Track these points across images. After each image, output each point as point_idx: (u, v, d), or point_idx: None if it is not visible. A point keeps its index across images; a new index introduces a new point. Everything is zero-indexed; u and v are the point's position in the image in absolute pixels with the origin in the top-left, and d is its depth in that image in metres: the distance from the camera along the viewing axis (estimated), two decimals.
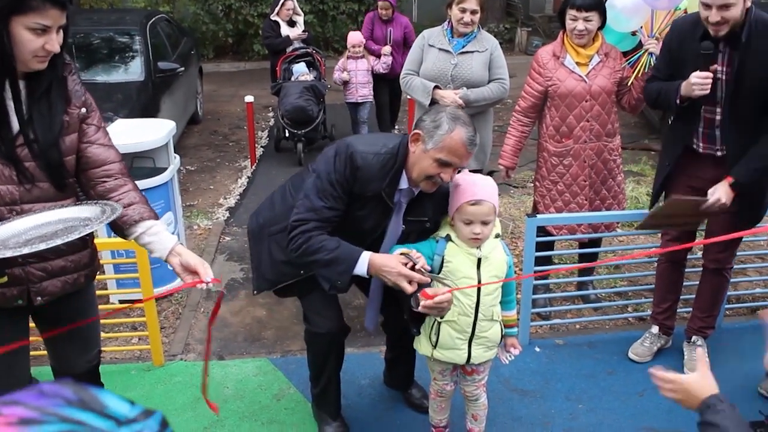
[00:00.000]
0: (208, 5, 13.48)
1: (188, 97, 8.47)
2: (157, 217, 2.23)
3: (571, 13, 3.75)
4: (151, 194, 4.11)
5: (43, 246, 1.81)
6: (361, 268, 2.65)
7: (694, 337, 3.72)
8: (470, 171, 4.34)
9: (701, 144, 3.29)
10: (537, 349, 3.91)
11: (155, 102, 6.83)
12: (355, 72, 7.60)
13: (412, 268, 2.57)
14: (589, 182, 3.95)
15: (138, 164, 4.24)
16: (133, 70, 7.03)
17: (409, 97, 7.12)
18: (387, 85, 7.79)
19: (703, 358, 1.62)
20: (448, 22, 4.20)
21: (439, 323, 2.78)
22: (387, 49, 7.55)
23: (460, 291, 2.68)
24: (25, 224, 1.95)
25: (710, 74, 3.02)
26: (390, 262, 2.60)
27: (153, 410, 0.54)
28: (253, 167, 7.44)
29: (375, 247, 2.79)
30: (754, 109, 3.10)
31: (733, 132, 3.17)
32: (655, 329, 3.80)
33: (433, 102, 4.05)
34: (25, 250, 1.80)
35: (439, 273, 2.71)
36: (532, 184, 4.39)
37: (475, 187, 2.65)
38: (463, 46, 4.14)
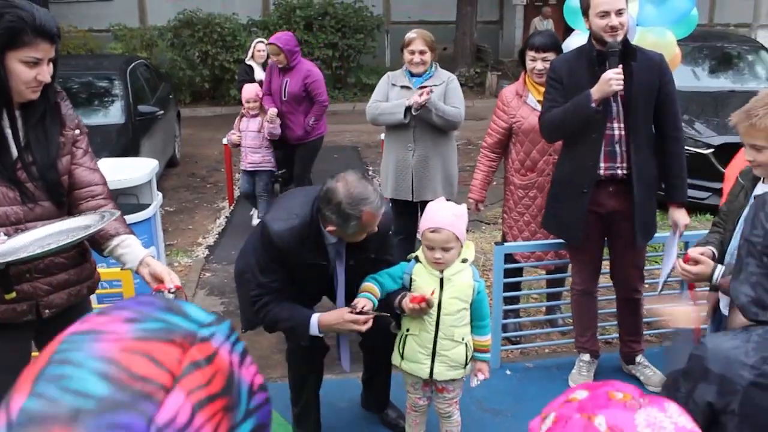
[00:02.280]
0: (185, 52, 13.75)
1: (167, 140, 8.65)
2: (132, 233, 2.39)
3: (531, 53, 4.03)
4: (135, 230, 4.25)
5: (39, 251, 1.98)
6: (313, 330, 2.94)
7: (638, 358, 3.94)
8: None
9: (603, 165, 3.47)
10: (508, 372, 4.08)
11: (135, 144, 7.00)
12: (245, 134, 6.49)
13: (361, 311, 2.86)
14: None
15: (122, 201, 4.39)
16: (114, 113, 7.22)
17: (381, 137, 7.36)
18: (297, 150, 6.50)
19: (707, 303, 2.01)
20: (406, 65, 4.50)
21: (406, 336, 2.98)
22: (272, 112, 6.24)
23: None
24: (31, 237, 2.12)
25: (621, 69, 3.25)
26: (333, 318, 2.92)
27: (224, 318, 0.71)
28: (231, 208, 7.59)
29: (333, 295, 3.11)
30: (645, 121, 3.44)
31: (632, 143, 3.43)
32: (586, 356, 3.96)
33: (407, 111, 4.32)
34: (23, 254, 1.97)
35: (409, 290, 2.91)
36: (501, 217, 4.61)
37: (436, 216, 2.85)
38: (422, 83, 4.41)
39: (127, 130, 7.06)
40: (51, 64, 2.16)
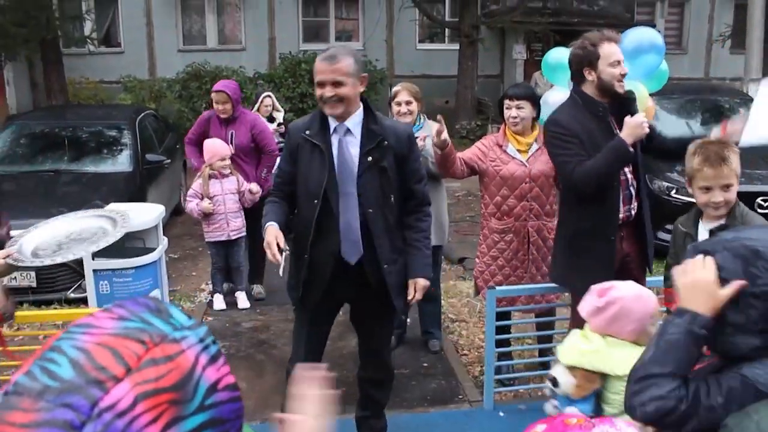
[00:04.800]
0: (192, 103, 14.09)
1: (173, 189, 8.86)
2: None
3: (506, 102, 4.26)
4: (140, 273, 4.42)
5: (70, 256, 2.11)
6: (264, 226, 3.13)
7: None
8: (432, 247, 4.74)
9: (622, 209, 3.61)
10: (501, 414, 4.17)
11: (142, 192, 7.20)
12: (222, 197, 5.59)
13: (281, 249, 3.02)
14: (529, 257, 4.29)
15: (129, 244, 4.55)
16: (122, 162, 7.47)
17: None
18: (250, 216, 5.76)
19: None
20: (393, 118, 4.70)
21: None
22: (254, 187, 5.71)
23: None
24: (45, 235, 2.22)
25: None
26: (269, 234, 3.04)
27: (202, 324, 0.86)
28: None
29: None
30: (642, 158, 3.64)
31: (642, 180, 3.64)
32: None
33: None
34: (47, 261, 2.11)
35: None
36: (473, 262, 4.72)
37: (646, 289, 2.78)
38: (415, 134, 4.59)
39: (135, 177, 7.28)
40: None
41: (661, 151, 3.83)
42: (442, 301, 5.34)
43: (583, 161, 3.45)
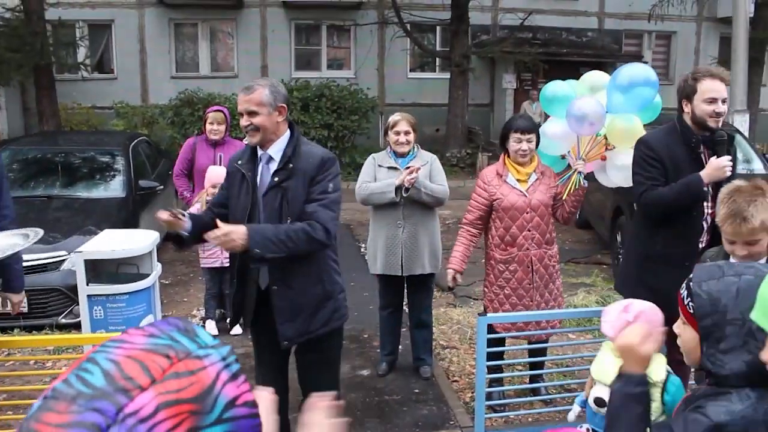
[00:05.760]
0: (184, 130, 14.15)
1: None
2: None
3: (516, 135, 4.31)
4: (134, 298, 4.44)
5: None
6: None
7: None
8: (425, 275, 4.82)
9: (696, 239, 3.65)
10: None
11: (135, 217, 7.25)
12: None
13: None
14: (533, 285, 4.36)
15: (123, 270, 4.58)
16: (115, 187, 7.51)
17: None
18: None
19: None
20: (389, 146, 4.82)
21: None
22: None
23: None
24: None
25: (730, 157, 3.50)
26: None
27: (225, 344, 0.92)
28: None
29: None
30: None
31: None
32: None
33: (398, 189, 4.59)
34: None
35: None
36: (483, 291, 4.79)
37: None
38: (408, 163, 4.72)
39: (128, 203, 7.32)
40: None
41: None
42: (434, 328, 5.38)
43: (656, 186, 3.54)
